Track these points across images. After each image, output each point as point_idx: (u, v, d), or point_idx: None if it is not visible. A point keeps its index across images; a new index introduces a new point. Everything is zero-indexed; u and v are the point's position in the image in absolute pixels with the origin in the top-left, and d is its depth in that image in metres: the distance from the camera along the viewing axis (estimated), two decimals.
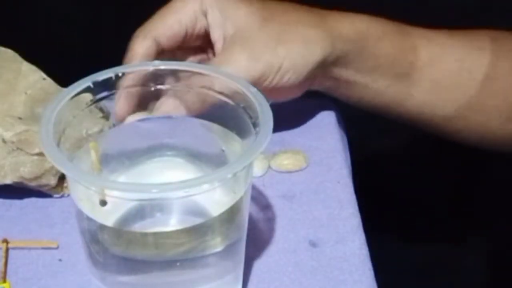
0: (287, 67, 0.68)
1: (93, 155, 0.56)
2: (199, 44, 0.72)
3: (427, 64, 0.73)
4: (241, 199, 0.54)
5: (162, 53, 0.69)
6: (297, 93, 0.71)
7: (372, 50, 0.71)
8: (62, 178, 0.66)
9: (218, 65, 0.66)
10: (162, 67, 0.58)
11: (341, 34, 0.70)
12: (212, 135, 0.58)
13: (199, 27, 0.70)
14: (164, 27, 0.69)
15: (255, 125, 0.54)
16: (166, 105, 0.61)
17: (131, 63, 0.67)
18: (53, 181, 0.66)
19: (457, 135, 0.76)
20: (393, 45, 0.72)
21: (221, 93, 0.57)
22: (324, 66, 0.69)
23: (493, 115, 0.74)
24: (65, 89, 0.56)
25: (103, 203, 0.53)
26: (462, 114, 0.74)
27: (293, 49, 0.68)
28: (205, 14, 0.70)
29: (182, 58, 0.72)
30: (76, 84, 0.56)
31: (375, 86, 0.72)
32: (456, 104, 0.74)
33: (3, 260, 0.62)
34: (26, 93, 0.68)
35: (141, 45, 0.68)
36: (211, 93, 0.58)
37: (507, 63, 0.74)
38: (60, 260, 0.62)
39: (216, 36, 0.70)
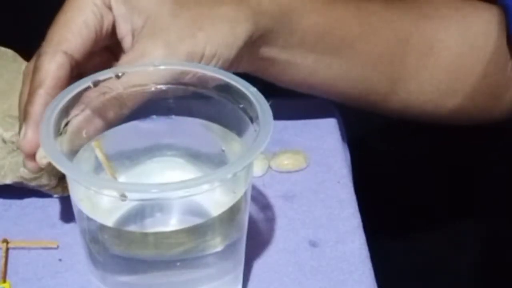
0: (210, 53, 0.61)
1: (99, 154, 0.56)
2: (107, 44, 0.64)
3: (359, 37, 0.69)
4: (241, 199, 0.54)
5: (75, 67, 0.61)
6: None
7: (298, 24, 0.66)
8: (62, 178, 0.66)
9: (131, 63, 0.60)
10: (162, 67, 0.58)
11: (263, 10, 0.64)
12: (212, 135, 0.58)
13: (107, 24, 0.62)
14: (72, 35, 0.60)
15: (255, 125, 0.54)
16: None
17: (43, 85, 0.59)
18: (53, 181, 0.66)
19: (396, 112, 0.73)
20: (320, 19, 0.67)
21: (220, 92, 0.57)
22: (249, 46, 0.64)
23: (429, 88, 0.71)
24: (65, 89, 0.56)
25: (124, 197, 0.53)
26: (399, 89, 0.71)
27: (214, 33, 0.62)
28: (109, 7, 0.62)
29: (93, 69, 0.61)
30: (76, 84, 0.56)
31: (304, 64, 0.68)
32: (393, 79, 0.71)
33: (3, 260, 0.62)
34: None
35: (52, 63, 0.59)
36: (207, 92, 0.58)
37: (449, 33, 0.71)
38: (60, 260, 0.62)
39: (124, 31, 0.62)
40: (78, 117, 0.56)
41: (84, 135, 0.57)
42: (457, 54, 0.71)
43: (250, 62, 0.66)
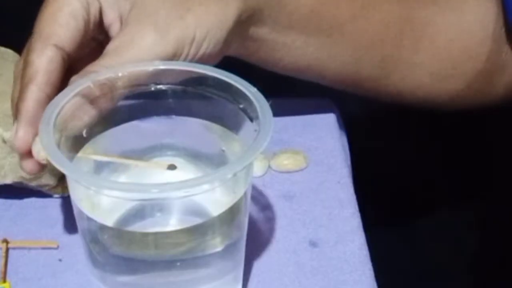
0: (201, 36, 0.60)
1: (101, 157, 0.56)
2: (95, 34, 0.62)
3: (350, 20, 0.68)
4: (241, 199, 0.54)
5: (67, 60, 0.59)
6: (213, 62, 0.63)
7: (286, 4, 0.65)
8: (62, 178, 0.66)
9: (119, 49, 0.59)
10: (162, 67, 0.58)
11: None
12: (212, 135, 0.58)
13: (94, 12, 0.60)
14: (60, 28, 0.59)
15: (255, 125, 0.54)
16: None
17: (34, 80, 0.57)
18: (53, 181, 0.66)
19: (388, 96, 0.73)
20: (309, 0, 0.66)
21: (220, 92, 0.57)
22: (238, 27, 0.63)
23: (422, 73, 0.71)
24: (65, 89, 0.56)
25: (173, 167, 0.53)
26: (391, 73, 0.70)
27: (203, 14, 0.60)
28: None
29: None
30: (76, 84, 0.56)
31: (294, 45, 0.67)
32: (385, 63, 0.70)
33: (3, 260, 0.62)
34: None
35: (43, 57, 0.57)
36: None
37: (443, 17, 0.70)
38: (60, 260, 0.62)
39: (111, 18, 0.61)
40: (69, 103, 0.55)
41: (84, 135, 0.57)
42: (451, 39, 0.71)
43: (239, 44, 0.65)
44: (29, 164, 0.57)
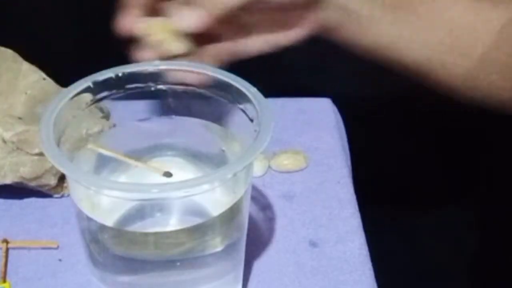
0: None
1: (108, 152, 0.56)
2: None
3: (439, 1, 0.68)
4: (241, 199, 0.54)
5: None
6: (304, 26, 0.66)
7: None
8: (62, 178, 0.66)
9: None
10: (162, 67, 0.58)
11: None
12: (212, 135, 0.58)
13: None
14: None
15: (255, 125, 0.54)
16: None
17: None
18: (53, 181, 0.66)
19: (455, 90, 0.71)
20: None
21: (220, 92, 0.57)
22: None
23: (488, 70, 0.69)
24: (65, 89, 0.56)
25: (168, 174, 0.53)
26: (455, 66, 0.69)
27: None
28: None
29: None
30: (76, 84, 0.56)
31: (380, 20, 0.68)
32: (450, 53, 0.69)
33: (3, 260, 0.62)
34: (26, 93, 0.68)
35: None
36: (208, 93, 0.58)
37: (497, 16, 0.69)
38: (60, 260, 0.62)
39: None
40: None
41: (84, 135, 0.57)
42: (506, 37, 0.70)
43: (329, 13, 0.66)
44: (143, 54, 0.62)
